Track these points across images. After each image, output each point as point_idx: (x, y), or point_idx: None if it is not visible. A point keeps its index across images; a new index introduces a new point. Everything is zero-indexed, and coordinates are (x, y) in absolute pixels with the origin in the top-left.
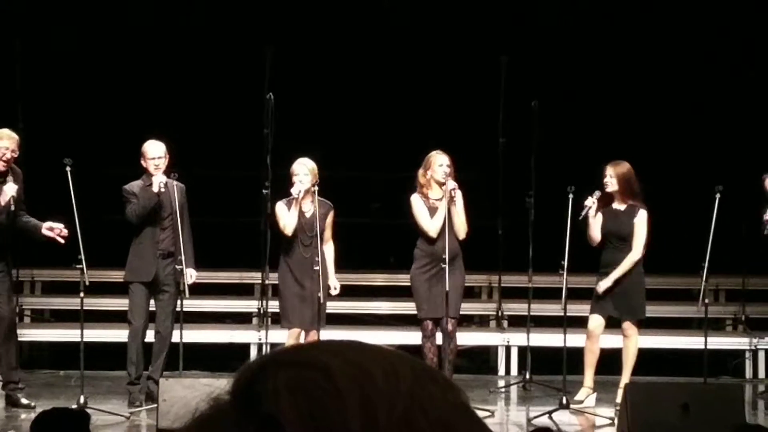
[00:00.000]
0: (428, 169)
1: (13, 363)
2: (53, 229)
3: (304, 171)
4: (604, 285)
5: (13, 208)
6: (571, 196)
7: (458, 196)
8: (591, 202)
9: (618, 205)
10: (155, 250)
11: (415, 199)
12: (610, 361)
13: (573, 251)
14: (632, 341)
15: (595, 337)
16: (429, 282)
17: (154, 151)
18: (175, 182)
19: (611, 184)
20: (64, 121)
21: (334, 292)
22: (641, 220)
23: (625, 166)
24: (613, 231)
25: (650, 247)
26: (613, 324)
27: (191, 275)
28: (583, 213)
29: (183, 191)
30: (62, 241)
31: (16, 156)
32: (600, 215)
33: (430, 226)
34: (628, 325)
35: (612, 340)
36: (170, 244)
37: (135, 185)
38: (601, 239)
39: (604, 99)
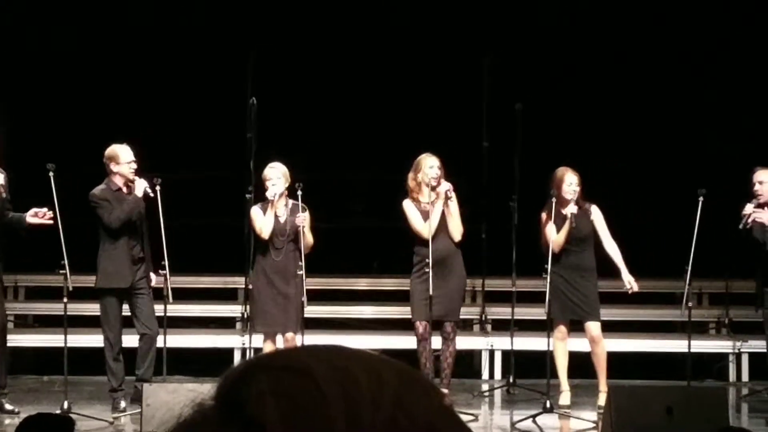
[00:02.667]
0: (418, 172)
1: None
2: (37, 214)
3: (276, 175)
4: (634, 285)
5: (5, 195)
6: (554, 200)
7: (452, 198)
8: (575, 208)
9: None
10: (130, 255)
11: (408, 204)
12: (592, 364)
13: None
14: (602, 345)
15: (566, 340)
16: (427, 285)
17: (128, 155)
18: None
19: (576, 190)
20: (45, 124)
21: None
22: (600, 215)
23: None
24: (581, 235)
25: (634, 250)
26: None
27: (155, 279)
28: (570, 222)
29: (147, 196)
30: (50, 222)
31: None
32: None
33: (426, 228)
34: (596, 328)
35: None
36: (140, 250)
37: (105, 191)
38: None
39: (589, 102)
